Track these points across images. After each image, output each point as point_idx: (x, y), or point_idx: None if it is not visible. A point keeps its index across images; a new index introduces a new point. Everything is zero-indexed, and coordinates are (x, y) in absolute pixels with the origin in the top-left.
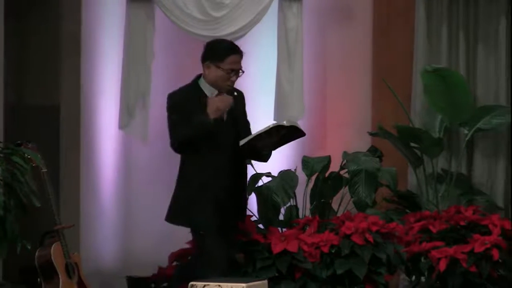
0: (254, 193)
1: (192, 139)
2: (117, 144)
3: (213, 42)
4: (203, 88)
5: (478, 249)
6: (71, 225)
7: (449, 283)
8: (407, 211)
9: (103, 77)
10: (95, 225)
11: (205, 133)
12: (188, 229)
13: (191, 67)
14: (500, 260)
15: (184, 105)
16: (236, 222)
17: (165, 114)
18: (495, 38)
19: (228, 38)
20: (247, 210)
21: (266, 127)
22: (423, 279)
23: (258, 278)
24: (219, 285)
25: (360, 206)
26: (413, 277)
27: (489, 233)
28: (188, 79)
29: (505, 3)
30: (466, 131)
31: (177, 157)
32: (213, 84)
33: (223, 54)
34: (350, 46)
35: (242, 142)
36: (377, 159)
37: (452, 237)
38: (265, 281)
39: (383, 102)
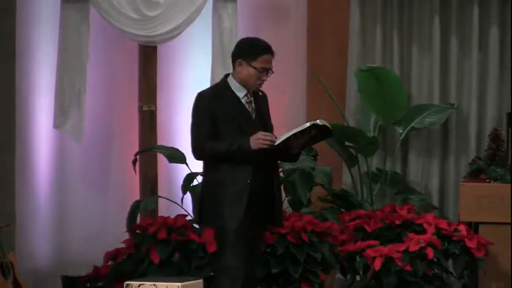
0: (189, 192)
1: (225, 159)
2: (52, 144)
3: (247, 40)
4: (231, 86)
5: (413, 248)
6: (7, 224)
7: (384, 282)
8: (342, 210)
9: (39, 77)
10: (30, 225)
11: (241, 158)
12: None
13: (127, 67)
14: (434, 259)
15: (211, 102)
16: (265, 229)
17: (100, 114)
18: (428, 37)
19: (163, 38)
20: (282, 215)
21: (301, 126)
22: (358, 278)
23: (193, 277)
24: (155, 285)
25: (295, 205)
26: (348, 276)
27: (423, 232)
28: (124, 80)
29: (438, 3)
30: (400, 130)
31: (111, 157)
32: (243, 82)
33: (257, 52)
34: (285, 46)
35: (277, 142)
36: (312, 158)
37: (387, 236)
38: (200, 281)
39: (317, 101)
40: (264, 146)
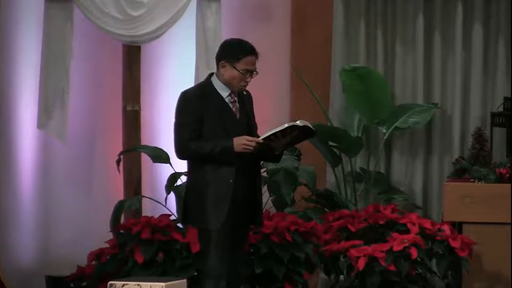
0: (173, 192)
1: (208, 159)
2: (36, 144)
3: (230, 41)
4: (215, 86)
5: (397, 247)
6: None
7: (367, 281)
8: (326, 210)
9: (23, 76)
10: (14, 224)
11: (224, 159)
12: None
13: (111, 67)
14: (418, 259)
15: (197, 102)
16: (248, 229)
17: (84, 114)
18: (412, 36)
19: (147, 37)
20: (263, 215)
21: (281, 127)
22: (342, 278)
23: (177, 277)
24: (139, 285)
25: (279, 205)
26: (332, 276)
27: (407, 231)
28: (108, 80)
29: (422, 1)
30: (384, 130)
31: (95, 157)
32: (226, 83)
33: (240, 54)
34: (268, 45)
35: (260, 138)
36: (296, 158)
37: (371, 235)
38: (184, 281)
39: (301, 101)
40: (247, 150)
